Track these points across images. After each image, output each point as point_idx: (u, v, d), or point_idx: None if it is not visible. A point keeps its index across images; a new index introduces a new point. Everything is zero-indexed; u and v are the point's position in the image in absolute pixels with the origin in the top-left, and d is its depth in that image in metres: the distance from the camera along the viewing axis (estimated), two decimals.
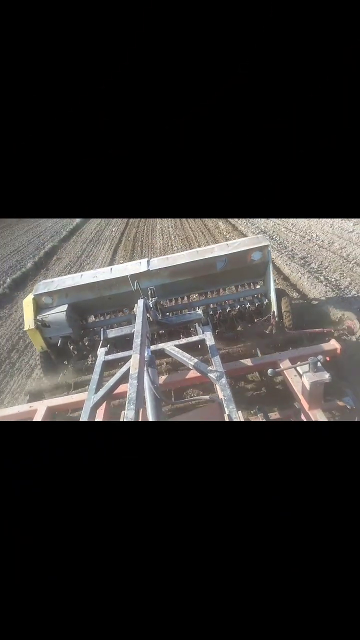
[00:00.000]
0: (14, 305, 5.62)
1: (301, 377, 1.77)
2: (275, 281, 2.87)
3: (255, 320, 2.91)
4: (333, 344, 2.24)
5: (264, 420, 1.81)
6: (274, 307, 2.78)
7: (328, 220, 5.92)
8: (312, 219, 6.17)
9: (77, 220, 11.70)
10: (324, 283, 3.88)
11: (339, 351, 2.20)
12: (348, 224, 5.52)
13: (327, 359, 2.10)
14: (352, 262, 4.26)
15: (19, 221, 14.34)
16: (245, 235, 6.22)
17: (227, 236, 6.45)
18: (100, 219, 11.50)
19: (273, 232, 6.15)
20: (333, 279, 3.96)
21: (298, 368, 1.83)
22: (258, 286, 2.99)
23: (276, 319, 2.76)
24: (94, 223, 11.27)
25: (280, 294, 2.89)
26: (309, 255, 4.80)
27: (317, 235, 5.43)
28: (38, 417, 2.17)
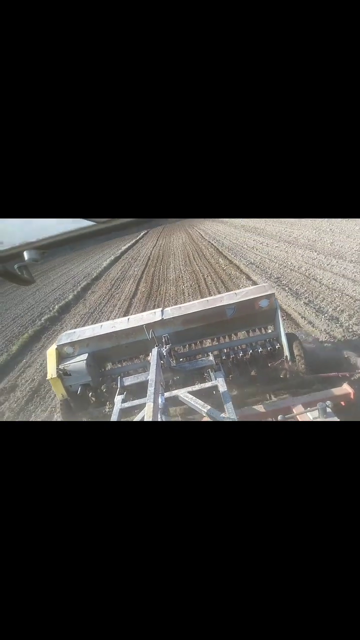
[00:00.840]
0: (63, 323, 7.45)
1: None
2: (285, 326, 2.95)
3: (269, 365, 2.97)
4: (345, 388, 2.23)
5: None
6: (287, 352, 2.86)
7: (300, 251, 7.70)
8: (288, 252, 7.96)
9: (105, 263, 14.03)
10: (287, 292, 5.52)
11: (352, 395, 2.19)
12: (313, 254, 7.26)
13: (342, 403, 2.18)
14: (311, 278, 5.91)
15: (53, 268, 16.95)
16: (238, 267, 8.00)
17: (225, 269, 8.25)
18: (124, 262, 13.77)
19: (260, 262, 7.93)
20: (294, 289, 5.59)
21: (309, 414, 1.86)
22: (269, 330, 3.08)
23: (289, 363, 2.86)
24: (119, 266, 13.53)
25: (291, 338, 2.97)
26: (282, 276, 6.49)
27: (291, 263, 7.15)
28: None
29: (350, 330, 3.84)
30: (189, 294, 7.07)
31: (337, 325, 4.00)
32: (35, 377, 4.90)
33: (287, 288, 5.68)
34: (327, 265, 6.29)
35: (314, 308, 4.60)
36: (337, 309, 4.44)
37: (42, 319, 7.72)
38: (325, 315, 4.33)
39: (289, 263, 7.19)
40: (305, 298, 5.05)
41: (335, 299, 4.75)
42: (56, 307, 8.58)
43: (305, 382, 2.56)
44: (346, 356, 3.04)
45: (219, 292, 6.32)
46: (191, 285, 7.66)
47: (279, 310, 2.92)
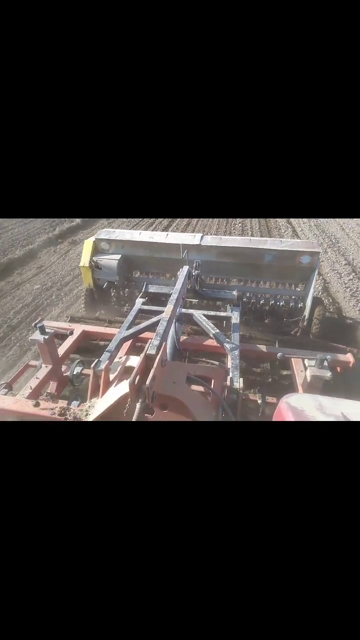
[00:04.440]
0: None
1: (305, 371, 1.84)
2: (315, 289, 2.92)
3: (284, 320, 3.06)
4: (348, 357, 2.26)
5: (260, 401, 1.98)
6: (306, 312, 2.89)
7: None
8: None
9: None
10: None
11: (351, 364, 2.22)
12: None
13: (338, 369, 2.25)
14: None
15: None
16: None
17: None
18: None
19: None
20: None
21: (306, 361, 1.88)
22: (298, 289, 3.05)
23: (304, 323, 2.89)
24: None
25: (316, 302, 2.96)
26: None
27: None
28: (73, 337, 2.52)
29: None
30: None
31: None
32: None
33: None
34: None
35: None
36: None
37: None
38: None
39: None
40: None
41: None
42: None
43: (312, 345, 2.60)
44: None
45: None
46: None
47: (316, 271, 2.87)
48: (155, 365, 1.35)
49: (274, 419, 1.11)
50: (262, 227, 7.49)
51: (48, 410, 1.81)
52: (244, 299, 3.06)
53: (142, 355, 1.40)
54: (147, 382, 1.27)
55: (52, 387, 2.43)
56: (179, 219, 7.94)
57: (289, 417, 0.97)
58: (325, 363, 1.79)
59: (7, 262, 5.28)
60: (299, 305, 3.02)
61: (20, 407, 1.86)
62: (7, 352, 3.35)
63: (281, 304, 3.04)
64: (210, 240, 3.04)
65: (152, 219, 7.94)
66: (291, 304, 3.04)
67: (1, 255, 5.63)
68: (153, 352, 1.41)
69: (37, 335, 2.19)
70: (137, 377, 1.30)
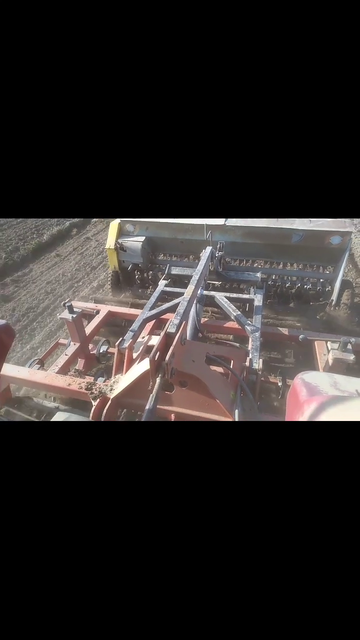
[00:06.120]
0: None
1: (328, 353, 1.81)
2: (345, 271, 2.74)
3: (311, 304, 2.94)
4: None
5: (281, 384, 2.01)
6: (334, 296, 2.75)
7: None
8: None
9: None
10: None
11: None
12: None
13: None
14: None
15: None
16: None
17: None
18: None
19: None
20: None
21: (329, 343, 1.85)
22: (327, 271, 2.91)
23: (332, 307, 2.77)
24: None
25: (345, 285, 2.82)
26: None
27: None
28: (100, 317, 2.66)
29: None
30: None
31: None
32: None
33: None
34: None
35: None
36: None
37: None
38: None
39: None
40: None
41: None
42: None
43: (339, 330, 2.44)
44: None
45: None
46: None
47: (347, 253, 2.68)
48: (174, 343, 1.39)
49: (288, 396, 1.12)
50: None
51: (76, 384, 1.92)
52: (269, 282, 2.97)
53: (163, 333, 1.45)
54: (167, 358, 1.32)
55: (79, 364, 2.57)
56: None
57: (303, 393, 0.98)
58: (349, 346, 1.75)
59: (83, 220, 7.09)
60: (327, 289, 2.88)
61: (50, 381, 2.00)
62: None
63: (308, 287, 2.91)
64: (235, 220, 2.92)
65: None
66: (318, 287, 2.90)
67: None
68: (173, 330, 1.46)
69: (65, 314, 2.30)
70: (157, 354, 1.36)
